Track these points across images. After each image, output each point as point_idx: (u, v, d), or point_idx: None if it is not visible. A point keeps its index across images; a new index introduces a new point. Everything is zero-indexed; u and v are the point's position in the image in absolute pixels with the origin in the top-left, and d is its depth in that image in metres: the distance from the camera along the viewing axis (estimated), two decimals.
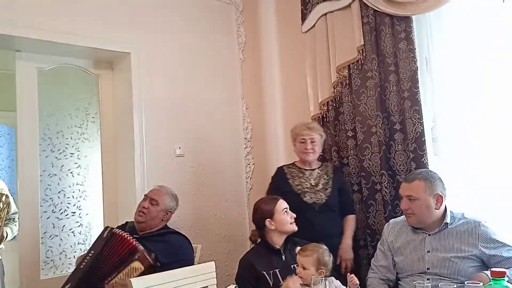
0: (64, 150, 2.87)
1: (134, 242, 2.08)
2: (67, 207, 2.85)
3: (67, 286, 2.11)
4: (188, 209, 3.00)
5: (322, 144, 2.66)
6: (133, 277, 1.97)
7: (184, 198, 2.96)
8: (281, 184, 2.61)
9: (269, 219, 2.13)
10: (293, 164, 2.69)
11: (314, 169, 2.62)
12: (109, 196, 2.91)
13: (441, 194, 1.96)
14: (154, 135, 2.89)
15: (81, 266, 2.13)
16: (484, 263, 1.89)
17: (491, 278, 1.11)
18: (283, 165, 2.74)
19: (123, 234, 2.13)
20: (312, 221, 2.43)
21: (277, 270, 2.01)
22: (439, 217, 1.98)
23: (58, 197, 2.83)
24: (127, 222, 2.43)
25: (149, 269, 2.03)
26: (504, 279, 1.08)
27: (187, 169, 3.03)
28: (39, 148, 2.74)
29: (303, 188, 2.56)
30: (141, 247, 2.08)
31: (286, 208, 2.15)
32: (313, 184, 2.56)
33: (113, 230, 2.18)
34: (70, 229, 2.85)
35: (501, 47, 2.19)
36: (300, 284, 1.77)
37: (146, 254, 2.06)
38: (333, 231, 2.50)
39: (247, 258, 2.12)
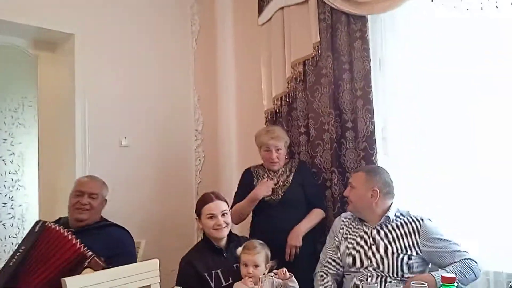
0: None
1: (69, 236, 1.96)
2: None
3: None
4: (133, 202, 2.87)
5: (286, 150, 2.61)
6: None
7: (129, 191, 2.84)
8: (246, 185, 2.58)
9: (197, 217, 2.11)
10: (261, 165, 2.65)
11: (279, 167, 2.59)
12: (46, 187, 2.71)
13: (377, 189, 2.03)
14: (98, 124, 2.72)
15: (11, 264, 1.97)
16: (425, 260, 1.96)
17: (441, 283, 1.12)
18: (251, 167, 2.69)
19: (57, 228, 2.01)
20: (270, 218, 2.43)
21: (218, 271, 1.96)
22: (381, 212, 2.05)
23: None
24: (60, 218, 2.28)
25: None
26: (454, 285, 1.09)
27: (132, 160, 2.89)
28: None
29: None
30: (89, 253, 1.94)
31: (212, 214, 2.03)
32: (275, 182, 2.52)
33: (46, 224, 2.05)
34: (0, 221, 2.63)
35: (453, 50, 2.25)
36: (251, 285, 1.72)
37: (97, 259, 1.92)
38: (292, 226, 2.42)
39: (188, 257, 2.04)
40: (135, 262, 2.17)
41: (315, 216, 2.49)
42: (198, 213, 2.09)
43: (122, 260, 1.94)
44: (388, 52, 2.54)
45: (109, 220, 2.29)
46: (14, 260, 1.98)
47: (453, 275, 1.11)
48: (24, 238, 2.07)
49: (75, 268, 1.90)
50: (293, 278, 1.79)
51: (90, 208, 2.17)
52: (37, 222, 2.10)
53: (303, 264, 2.25)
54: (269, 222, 2.44)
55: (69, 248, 1.94)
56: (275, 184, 2.51)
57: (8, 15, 2.41)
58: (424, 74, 2.38)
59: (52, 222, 2.15)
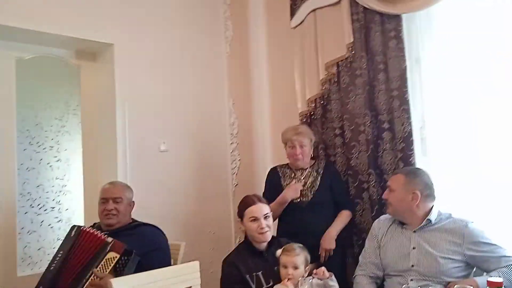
0: (43, 143, 2.77)
1: (102, 236, 2.05)
2: (46, 202, 2.75)
3: None
4: (171, 205, 2.94)
5: (311, 148, 2.62)
6: (111, 266, 1.96)
7: (167, 194, 2.92)
8: (274, 184, 2.61)
9: (239, 219, 2.12)
10: (286, 164, 2.68)
11: (306, 168, 2.60)
12: (90, 192, 2.82)
13: (417, 192, 1.98)
14: (138, 130, 2.82)
15: (51, 268, 2.05)
16: (469, 264, 1.89)
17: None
18: (277, 165, 2.72)
19: (91, 231, 2.08)
20: (300, 219, 2.43)
21: (259, 273, 1.97)
22: (422, 214, 1.99)
23: (37, 191, 2.73)
24: (95, 224, 2.35)
25: (126, 255, 1.99)
26: None
27: (171, 165, 2.97)
28: (17, 140, 2.64)
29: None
30: (110, 238, 2.03)
31: (255, 217, 2.05)
32: (302, 183, 2.54)
33: (81, 228, 2.13)
34: (49, 225, 2.76)
35: (493, 47, 2.18)
36: (291, 287, 1.72)
37: (118, 242, 2.01)
38: (321, 228, 2.45)
39: (231, 258, 2.07)
40: (169, 258, 2.24)
41: (345, 218, 2.52)
42: (241, 215, 2.11)
43: (156, 255, 2.03)
44: (424, 50, 2.49)
45: (145, 222, 2.33)
46: (54, 264, 2.06)
47: (500, 280, 1.08)
48: (62, 243, 2.14)
49: (99, 254, 1.98)
50: (333, 277, 1.79)
51: (117, 212, 2.22)
52: (72, 227, 2.17)
53: (334, 268, 2.21)
54: (298, 224, 2.44)
55: (97, 241, 2.03)
56: (303, 186, 2.52)
57: (51, 28, 2.54)
58: (462, 72, 2.31)
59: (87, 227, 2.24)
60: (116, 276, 1.92)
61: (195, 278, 1.86)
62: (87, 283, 1.95)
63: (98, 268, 1.97)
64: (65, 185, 2.81)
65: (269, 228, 2.07)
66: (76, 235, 2.10)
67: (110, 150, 2.78)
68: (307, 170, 2.59)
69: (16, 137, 2.63)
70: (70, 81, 2.89)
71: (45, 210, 2.74)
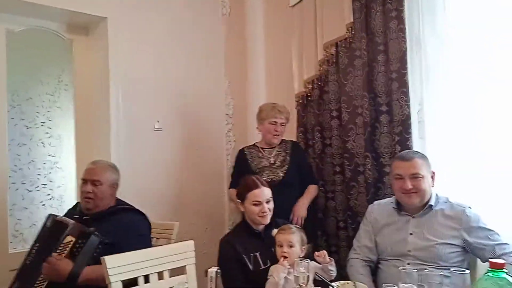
0: (34, 119, 2.70)
1: (66, 221, 1.99)
2: (38, 178, 2.70)
3: (14, 286, 2.00)
4: (165, 185, 2.92)
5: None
6: (67, 251, 1.91)
7: (161, 173, 2.89)
8: (241, 166, 2.70)
9: (239, 201, 2.10)
10: (253, 145, 2.76)
11: (274, 147, 2.67)
12: (83, 169, 2.74)
13: (434, 171, 1.98)
14: (132, 108, 2.77)
15: (27, 262, 2.00)
16: (466, 250, 1.89)
17: (489, 269, 1.08)
18: (244, 147, 2.79)
19: (67, 220, 2.01)
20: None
21: (257, 254, 1.96)
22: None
23: (28, 168, 2.67)
24: (77, 203, 2.28)
25: (82, 238, 1.92)
26: (503, 271, 1.05)
27: (165, 144, 2.93)
28: (7, 115, 2.57)
29: (261, 166, 2.63)
30: (71, 222, 1.98)
31: (258, 201, 2.03)
32: (272, 162, 2.63)
33: (56, 218, 2.06)
34: (40, 202, 2.71)
35: (496, 32, 2.14)
36: (288, 266, 1.71)
37: (76, 226, 1.96)
38: (292, 205, 2.56)
39: (228, 239, 2.06)
40: (148, 243, 2.13)
41: (313, 190, 2.65)
42: (243, 197, 2.07)
43: (132, 241, 1.92)
44: (425, 32, 2.44)
45: (130, 204, 2.24)
46: (30, 258, 2.01)
47: (502, 261, 1.07)
48: (38, 233, 2.08)
49: (57, 240, 1.93)
50: (333, 262, 1.78)
51: (94, 196, 2.11)
52: (48, 216, 2.10)
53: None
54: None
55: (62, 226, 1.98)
56: (272, 164, 2.60)
57: None
58: (463, 56, 2.28)
59: (64, 214, 2.20)
60: (73, 260, 1.88)
61: (190, 257, 1.86)
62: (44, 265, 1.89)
63: (57, 253, 1.91)
64: (57, 162, 2.75)
65: (270, 212, 2.06)
66: (52, 226, 2.03)
67: (103, 127, 2.73)
68: (275, 149, 2.66)
69: (7, 112, 2.57)
70: (62, 56, 2.81)
71: (36, 187, 2.69)
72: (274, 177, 2.58)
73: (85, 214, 2.13)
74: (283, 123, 2.65)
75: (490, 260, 1.10)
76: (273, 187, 2.36)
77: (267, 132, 2.65)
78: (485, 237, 1.84)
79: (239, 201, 2.10)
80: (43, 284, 1.91)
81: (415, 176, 1.93)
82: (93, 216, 2.11)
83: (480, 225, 1.87)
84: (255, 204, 2.03)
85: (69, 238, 1.93)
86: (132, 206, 2.25)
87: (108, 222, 2.08)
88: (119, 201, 2.26)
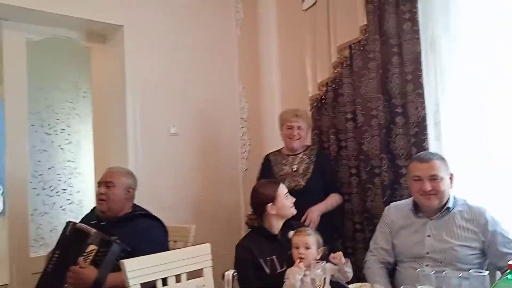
0: (54, 126, 2.77)
1: (88, 229, 2.01)
2: (58, 184, 2.77)
3: None
4: (181, 189, 2.95)
5: (308, 133, 2.66)
6: (89, 259, 1.92)
7: (177, 178, 2.93)
8: (266, 172, 2.64)
9: (270, 204, 2.06)
10: (279, 150, 2.70)
11: (298, 154, 2.60)
12: (101, 174, 2.82)
13: (452, 173, 1.96)
14: (148, 113, 2.81)
15: (49, 270, 2.03)
16: (484, 252, 1.87)
17: (509, 271, 1.08)
18: (270, 152, 2.74)
19: (87, 228, 2.03)
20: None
21: (274, 257, 1.97)
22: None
23: (48, 173, 2.74)
24: (94, 208, 2.30)
25: (104, 245, 1.94)
26: None
27: (181, 148, 2.96)
28: (28, 122, 2.64)
29: (284, 173, 2.56)
30: (93, 230, 1.99)
31: (287, 192, 2.10)
32: (294, 169, 2.55)
33: (76, 226, 2.08)
34: (60, 207, 2.78)
35: (508, 31, 2.12)
36: (304, 268, 1.72)
37: (98, 234, 1.98)
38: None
39: (245, 243, 2.06)
40: (165, 248, 2.10)
41: (334, 198, 2.55)
42: (272, 198, 2.06)
43: (147, 248, 1.89)
44: (439, 33, 2.42)
45: (147, 211, 2.26)
46: (51, 266, 2.03)
47: None
48: (58, 240, 2.10)
49: (81, 247, 1.95)
50: (349, 263, 1.78)
51: (106, 198, 2.14)
52: (67, 224, 2.11)
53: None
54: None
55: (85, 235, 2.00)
56: (295, 171, 2.53)
57: (60, 8, 2.52)
58: (478, 55, 2.25)
59: (82, 219, 2.22)
60: (96, 268, 1.90)
61: (207, 260, 1.88)
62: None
63: (80, 261, 1.93)
64: (76, 168, 2.83)
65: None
66: (73, 234, 2.06)
67: (120, 133, 2.78)
68: (299, 156, 2.59)
69: (28, 119, 2.64)
70: (80, 63, 2.88)
71: (56, 192, 2.76)
72: (296, 186, 2.50)
73: (103, 220, 2.16)
74: (300, 126, 2.57)
75: (509, 263, 1.09)
76: (294, 195, 2.36)
77: (285, 137, 2.61)
78: (501, 244, 1.82)
79: (270, 204, 2.05)
80: None
81: (434, 178, 1.91)
82: (110, 222, 2.14)
83: (499, 230, 1.85)
84: (287, 197, 2.09)
85: (92, 247, 1.96)
86: (148, 212, 2.27)
87: (124, 228, 2.10)
88: (136, 207, 2.28)
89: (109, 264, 1.92)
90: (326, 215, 2.52)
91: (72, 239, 2.05)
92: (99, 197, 2.16)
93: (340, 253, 1.78)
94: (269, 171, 2.62)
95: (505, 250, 1.81)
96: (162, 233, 2.22)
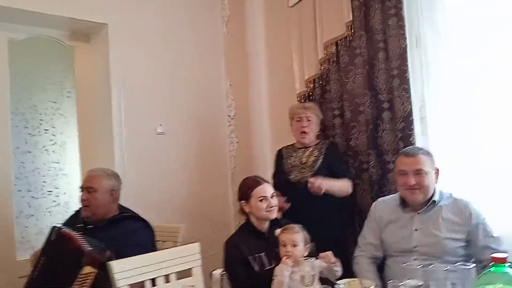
0: (38, 126, 2.73)
1: (78, 243, 1.89)
2: (43, 185, 2.73)
3: None
4: (169, 188, 2.92)
5: (318, 124, 2.61)
6: (89, 282, 1.84)
7: (165, 176, 2.90)
8: (277, 165, 2.63)
9: (243, 201, 2.09)
10: (292, 144, 2.66)
11: (309, 147, 2.56)
12: None
13: (437, 168, 1.97)
14: (134, 112, 2.78)
15: (34, 277, 1.97)
16: (468, 243, 1.89)
17: (492, 263, 1.09)
18: (283, 146, 2.70)
19: (70, 234, 1.95)
20: (299, 200, 2.39)
21: (262, 254, 1.96)
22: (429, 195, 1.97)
23: (33, 175, 2.70)
24: (79, 210, 2.24)
25: (103, 268, 1.80)
26: (505, 265, 1.05)
27: (168, 147, 2.94)
28: (11, 123, 2.59)
29: (291, 165, 2.53)
30: (87, 249, 1.87)
31: (264, 197, 2.04)
32: (303, 161, 2.51)
33: (60, 231, 1.99)
34: (46, 209, 2.74)
35: (495, 27, 2.14)
36: (291, 264, 1.72)
37: (93, 254, 1.88)
38: (319, 209, 2.36)
39: (233, 240, 2.06)
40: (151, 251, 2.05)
41: (342, 182, 2.41)
42: (246, 196, 2.08)
43: (133, 251, 1.83)
44: (425, 29, 2.44)
45: (132, 210, 2.23)
46: (37, 272, 1.97)
47: (505, 255, 1.07)
48: (43, 246, 2.03)
49: (76, 267, 1.85)
50: (339, 263, 1.78)
51: (89, 204, 2.10)
52: (52, 229, 2.03)
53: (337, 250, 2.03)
54: (298, 204, 2.40)
55: (74, 248, 1.89)
56: (303, 164, 2.48)
57: (43, 7, 2.48)
58: (464, 50, 2.28)
59: (65, 222, 2.16)
60: None
61: (196, 260, 1.86)
62: None
63: (77, 284, 1.83)
64: (62, 169, 2.79)
65: (276, 206, 2.08)
66: (56, 239, 1.98)
67: (106, 133, 2.74)
68: (310, 149, 2.55)
69: (11, 119, 2.59)
70: (64, 63, 2.84)
71: (42, 194, 2.72)
72: (302, 178, 2.45)
73: (88, 223, 2.12)
74: (309, 118, 2.52)
75: (492, 256, 1.10)
76: (301, 189, 2.38)
77: (295, 130, 2.57)
78: (483, 237, 1.84)
79: (243, 201, 2.10)
80: None
81: (418, 172, 1.93)
82: (97, 225, 2.11)
83: (481, 223, 1.87)
84: (261, 200, 2.04)
85: (89, 269, 1.86)
86: (134, 213, 2.24)
87: (110, 231, 2.07)
88: (123, 209, 2.24)
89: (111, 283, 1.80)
90: (335, 210, 2.46)
91: (59, 249, 1.96)
92: (82, 203, 2.13)
93: (330, 252, 1.78)
94: (279, 163, 2.61)
95: (486, 243, 1.83)
96: (148, 235, 2.18)
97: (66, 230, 2.01)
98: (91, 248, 1.88)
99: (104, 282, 1.78)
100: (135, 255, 1.78)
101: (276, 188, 2.23)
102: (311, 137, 2.55)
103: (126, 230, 2.10)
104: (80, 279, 1.85)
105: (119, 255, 1.82)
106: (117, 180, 2.25)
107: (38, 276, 1.97)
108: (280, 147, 2.71)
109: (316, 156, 2.51)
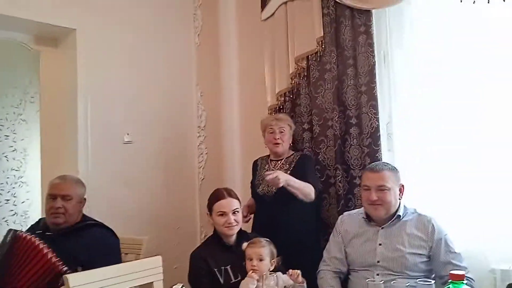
0: None
1: (48, 256, 1.85)
2: (0, 193, 2.61)
3: None
4: (135, 199, 2.85)
5: (291, 135, 2.61)
6: None
7: (131, 187, 2.83)
8: (253, 176, 2.63)
9: (208, 213, 2.08)
10: (267, 155, 2.66)
11: (281, 159, 2.55)
12: (48, 184, 2.68)
13: (403, 184, 2.00)
14: (101, 120, 2.70)
15: None
16: (430, 258, 1.91)
17: (450, 281, 1.10)
18: (259, 157, 2.70)
19: (28, 238, 1.91)
20: (266, 212, 2.40)
21: (228, 267, 1.94)
22: (393, 210, 1.99)
23: None
24: (40, 220, 2.21)
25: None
26: (463, 283, 1.06)
27: (135, 157, 2.86)
28: None
29: (261, 178, 2.52)
30: (64, 268, 1.84)
31: (223, 212, 2.01)
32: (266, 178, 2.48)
33: (17, 233, 1.95)
34: (3, 218, 2.62)
35: (460, 45, 2.22)
36: (256, 278, 1.70)
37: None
38: (289, 221, 2.36)
39: (199, 252, 2.02)
40: (119, 260, 2.09)
41: (306, 185, 2.33)
42: (210, 208, 2.07)
43: (106, 260, 1.80)
44: (393, 47, 2.51)
45: (95, 219, 2.20)
46: None
47: (462, 272, 1.08)
48: None
49: (52, 284, 1.81)
50: (305, 284, 1.77)
51: (64, 211, 2.06)
52: (8, 231, 1.99)
53: (307, 263, 2.08)
54: (265, 217, 2.41)
55: (40, 260, 1.86)
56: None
57: (9, 10, 2.39)
58: (430, 69, 2.35)
59: (27, 230, 2.09)
60: None
61: (157, 274, 1.81)
62: None
63: None
64: (21, 177, 2.68)
65: (237, 223, 2.03)
66: (12, 241, 1.93)
67: (70, 140, 2.65)
68: (282, 161, 2.55)
69: None
70: (29, 67, 2.75)
71: None
72: (268, 192, 2.45)
73: (49, 230, 2.06)
74: (282, 129, 2.51)
75: (450, 272, 1.12)
76: (266, 202, 2.39)
77: (268, 142, 2.55)
78: (444, 253, 1.87)
79: (208, 212, 2.07)
80: None
81: (381, 188, 1.95)
82: (60, 232, 2.04)
83: (443, 238, 1.90)
84: (220, 215, 2.01)
85: None
86: (99, 222, 2.19)
87: (75, 238, 2.01)
88: (85, 217, 2.20)
89: None
90: (306, 220, 2.44)
91: (15, 249, 1.90)
92: (55, 211, 2.05)
93: (298, 271, 1.77)
94: (253, 175, 2.61)
95: (447, 259, 1.86)
96: (117, 242, 2.15)
97: (23, 233, 1.96)
98: (66, 269, 1.84)
99: None
100: (109, 260, 1.77)
101: (253, 197, 2.30)
102: (284, 147, 2.55)
103: (95, 237, 2.07)
104: None
105: (92, 262, 1.79)
106: (85, 188, 2.22)
107: None
108: (257, 158, 2.71)
109: (285, 169, 2.50)
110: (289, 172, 2.46)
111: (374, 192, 1.95)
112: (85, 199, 2.20)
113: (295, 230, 2.38)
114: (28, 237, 1.93)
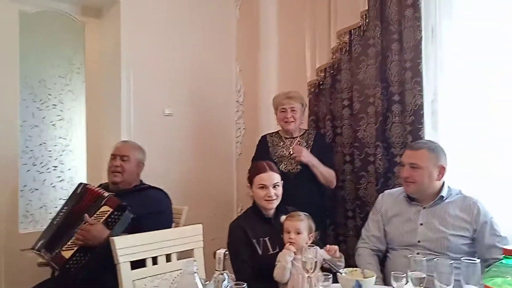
0: (46, 101, 2.72)
1: (102, 191, 2.08)
2: (49, 160, 2.73)
3: (41, 242, 2.07)
4: (174, 170, 2.92)
5: (303, 113, 2.62)
6: (103, 219, 1.99)
7: (171, 159, 2.89)
8: (262, 153, 2.61)
9: (249, 185, 2.10)
10: (276, 132, 2.68)
11: (295, 137, 2.58)
12: (93, 152, 2.79)
13: (444, 165, 1.94)
14: (143, 92, 2.76)
15: (55, 222, 2.09)
16: (474, 241, 1.87)
17: (503, 256, 1.07)
18: (267, 134, 2.71)
19: (96, 189, 2.11)
20: (288, 190, 2.37)
21: (266, 239, 1.96)
22: (436, 190, 1.95)
23: (39, 149, 2.70)
24: (101, 184, 2.35)
25: (118, 210, 2.01)
26: None
27: (175, 129, 2.93)
28: (19, 96, 2.58)
29: (280, 156, 2.54)
30: (107, 193, 2.06)
31: (264, 185, 2.02)
32: (292, 152, 2.52)
33: (87, 186, 2.15)
34: (51, 184, 2.74)
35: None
36: (294, 250, 1.72)
37: (113, 197, 2.04)
38: (309, 201, 2.37)
39: (238, 222, 2.05)
40: (170, 221, 2.27)
41: (327, 170, 2.48)
42: (250, 181, 2.08)
43: (157, 218, 2.05)
44: (441, 21, 2.39)
45: (152, 185, 2.33)
46: (58, 219, 2.10)
47: None
48: (68, 199, 2.17)
49: (93, 207, 2.02)
50: (343, 258, 1.77)
51: (122, 170, 2.22)
52: (79, 185, 2.19)
53: None
54: (287, 195, 2.32)
55: (95, 195, 2.07)
56: (290, 154, 2.50)
57: None
58: (480, 45, 2.23)
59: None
60: (108, 229, 1.97)
61: (198, 241, 1.86)
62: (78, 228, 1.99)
63: (92, 218, 2.00)
64: (68, 145, 2.78)
65: (277, 197, 2.04)
66: (82, 193, 2.12)
67: (114, 111, 2.73)
68: (297, 139, 2.56)
69: (19, 93, 2.58)
70: (74, 38, 2.81)
71: (47, 168, 2.72)
72: (292, 168, 2.49)
73: (110, 190, 2.18)
74: (293, 108, 2.53)
75: (503, 247, 1.09)
76: (290, 179, 2.38)
77: (280, 120, 2.59)
78: (489, 236, 1.83)
79: (248, 184, 2.09)
80: (73, 248, 1.98)
81: (412, 166, 1.94)
82: (118, 193, 2.16)
83: (489, 221, 1.85)
84: (261, 188, 2.02)
85: (106, 208, 2.01)
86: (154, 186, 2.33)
87: (135, 197, 2.18)
88: (143, 183, 2.35)
89: (121, 228, 2.00)
90: (318, 200, 2.49)
91: (83, 197, 2.11)
92: (115, 169, 2.22)
93: (336, 247, 1.77)
94: (265, 152, 2.60)
95: (492, 242, 1.82)
96: (169, 205, 2.29)
97: (92, 185, 2.18)
98: (108, 194, 2.05)
99: (118, 222, 1.99)
100: (158, 221, 2.00)
101: None
102: (296, 126, 2.57)
103: (151, 196, 2.24)
104: (97, 215, 2.01)
105: (146, 218, 2.00)
106: (144, 155, 2.37)
107: (58, 222, 2.09)
108: (265, 134, 2.71)
109: (304, 147, 2.53)
110: (309, 149, 2.51)
111: (406, 169, 1.95)
112: (143, 164, 2.34)
113: (311, 204, 2.34)
114: (96, 188, 2.14)
